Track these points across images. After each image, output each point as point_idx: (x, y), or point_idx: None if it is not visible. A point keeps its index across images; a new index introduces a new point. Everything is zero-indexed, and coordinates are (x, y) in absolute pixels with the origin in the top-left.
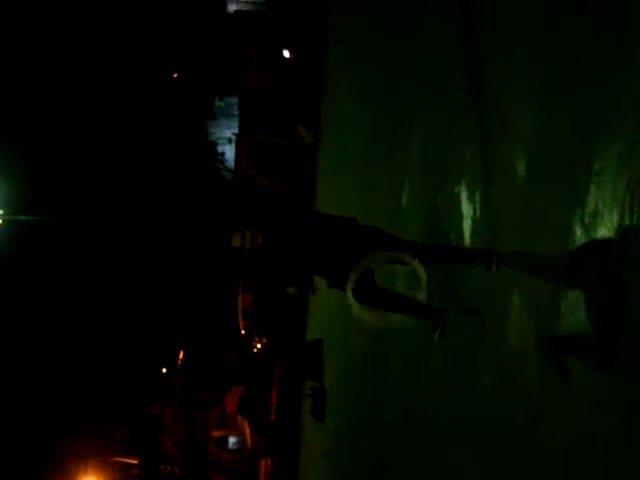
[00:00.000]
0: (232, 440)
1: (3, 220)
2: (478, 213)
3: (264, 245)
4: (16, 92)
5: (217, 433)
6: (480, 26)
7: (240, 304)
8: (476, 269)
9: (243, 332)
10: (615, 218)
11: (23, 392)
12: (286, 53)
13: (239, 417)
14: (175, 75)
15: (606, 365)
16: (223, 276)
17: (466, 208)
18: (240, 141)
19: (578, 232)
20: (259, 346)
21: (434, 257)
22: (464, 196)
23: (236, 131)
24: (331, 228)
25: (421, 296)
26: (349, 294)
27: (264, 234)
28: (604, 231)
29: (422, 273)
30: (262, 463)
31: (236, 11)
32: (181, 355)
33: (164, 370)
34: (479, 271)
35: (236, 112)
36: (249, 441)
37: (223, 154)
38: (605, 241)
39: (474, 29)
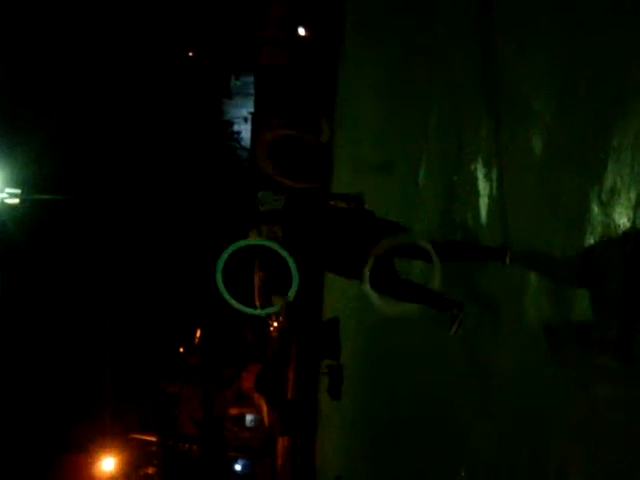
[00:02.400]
0: (249, 418)
1: (21, 199)
2: (494, 191)
3: (283, 242)
4: (32, 71)
5: (234, 411)
6: (497, 3)
7: (256, 282)
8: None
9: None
10: (633, 195)
11: (42, 372)
12: (302, 31)
13: (256, 395)
14: (191, 54)
15: (624, 353)
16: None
17: (482, 186)
18: (257, 139)
19: (595, 210)
20: (275, 324)
21: (449, 254)
22: (481, 175)
23: (252, 110)
24: (349, 222)
25: (436, 283)
26: (366, 281)
27: (284, 231)
28: (622, 209)
29: (436, 259)
30: (279, 441)
31: None
32: (198, 333)
33: (181, 349)
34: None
35: (252, 91)
36: (266, 419)
37: (239, 133)
38: (624, 218)
39: (492, 7)
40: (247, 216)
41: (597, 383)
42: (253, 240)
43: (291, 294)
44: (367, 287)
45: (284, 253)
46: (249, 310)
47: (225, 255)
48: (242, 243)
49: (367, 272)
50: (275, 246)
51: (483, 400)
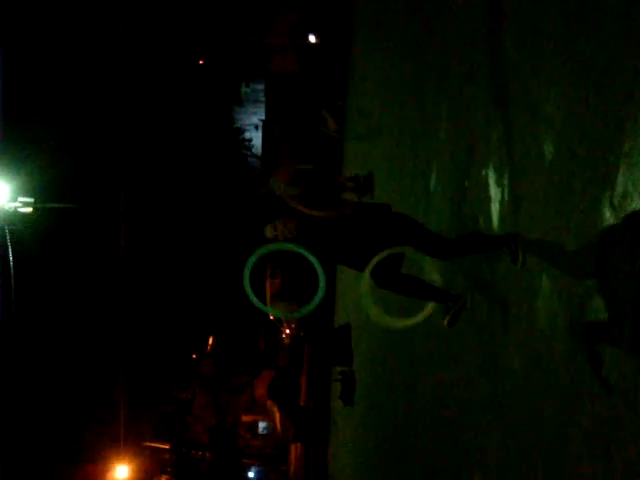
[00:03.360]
0: (262, 425)
1: (34, 208)
2: (506, 196)
3: (298, 237)
4: (44, 81)
5: (247, 418)
6: (507, 9)
7: (269, 289)
8: (503, 263)
9: (272, 317)
10: None
11: (55, 379)
12: (312, 38)
13: (269, 402)
14: (201, 62)
15: (637, 351)
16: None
17: (494, 191)
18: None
19: (607, 214)
20: (288, 331)
21: (459, 248)
22: (492, 180)
23: (263, 117)
24: (365, 217)
25: (432, 281)
26: (365, 282)
27: (298, 225)
28: (634, 213)
29: (427, 264)
30: (292, 448)
31: None
32: (211, 341)
33: (194, 356)
34: (506, 262)
35: (263, 98)
36: (279, 426)
37: (250, 140)
38: (636, 223)
39: (501, 12)
40: (262, 212)
41: (611, 380)
42: (282, 245)
43: (318, 298)
44: (365, 285)
45: (312, 259)
46: (280, 314)
47: (253, 259)
48: (272, 247)
49: (368, 274)
50: (304, 252)
51: (496, 406)
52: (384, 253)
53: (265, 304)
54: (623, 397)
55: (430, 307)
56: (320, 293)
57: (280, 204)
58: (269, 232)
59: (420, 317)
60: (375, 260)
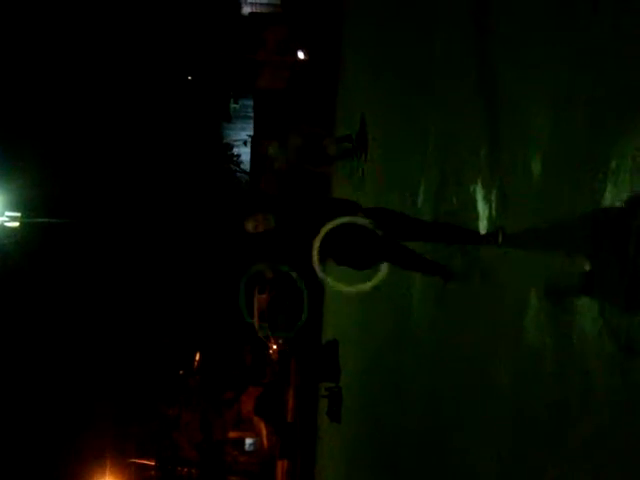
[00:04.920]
0: (249, 441)
1: (21, 222)
2: (494, 213)
3: (277, 228)
4: (31, 96)
5: (234, 434)
6: (495, 27)
7: (256, 305)
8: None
9: (259, 333)
10: (632, 217)
11: (39, 393)
12: (301, 54)
13: (256, 418)
14: (190, 78)
15: (627, 362)
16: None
17: (482, 209)
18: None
19: (595, 231)
20: (275, 347)
21: (442, 235)
22: (480, 197)
23: (251, 133)
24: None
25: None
26: (315, 259)
27: (277, 217)
28: (621, 230)
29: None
30: (279, 464)
31: (250, 13)
32: (197, 356)
33: (180, 371)
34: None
35: (251, 114)
36: (265, 442)
37: (239, 156)
38: (623, 239)
39: (489, 30)
40: (243, 205)
41: (600, 393)
42: (269, 271)
43: (300, 323)
44: (316, 262)
45: (301, 285)
46: (272, 333)
47: (244, 279)
48: (260, 267)
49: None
50: (295, 276)
51: (488, 422)
52: (335, 222)
53: (252, 318)
54: (612, 409)
55: (384, 270)
56: (304, 317)
57: (259, 199)
58: (250, 226)
59: (375, 280)
60: (324, 230)
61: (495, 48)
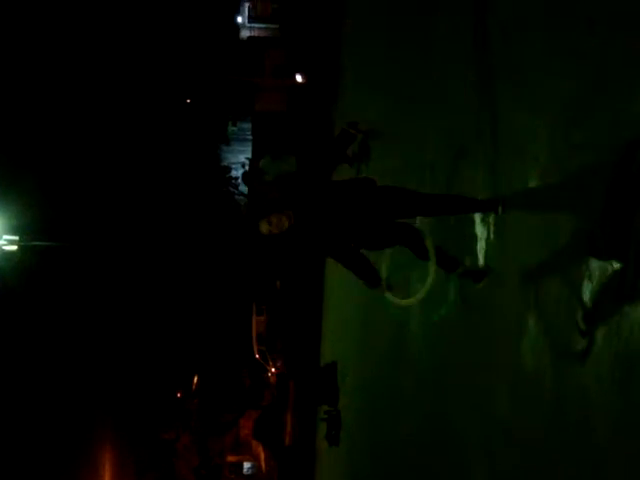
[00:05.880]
0: (247, 465)
1: (19, 246)
2: (492, 235)
3: (293, 228)
4: (30, 121)
5: (232, 458)
6: (492, 42)
7: (254, 328)
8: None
9: (257, 356)
10: (632, 231)
11: (36, 417)
12: (299, 78)
13: (254, 442)
14: (188, 101)
15: (624, 381)
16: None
17: (480, 231)
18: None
19: (594, 245)
20: (273, 370)
21: (443, 206)
22: (477, 219)
23: (249, 156)
24: (351, 199)
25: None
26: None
27: (293, 217)
28: (621, 244)
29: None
30: None
31: (249, 37)
32: (195, 380)
33: (178, 395)
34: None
35: (250, 137)
36: (264, 466)
37: (237, 178)
38: (623, 251)
39: (486, 45)
40: (256, 208)
41: (597, 409)
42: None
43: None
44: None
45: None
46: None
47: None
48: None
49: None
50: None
51: (484, 446)
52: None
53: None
54: (609, 427)
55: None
56: None
57: (272, 201)
58: (264, 227)
59: (427, 286)
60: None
61: (495, 71)
